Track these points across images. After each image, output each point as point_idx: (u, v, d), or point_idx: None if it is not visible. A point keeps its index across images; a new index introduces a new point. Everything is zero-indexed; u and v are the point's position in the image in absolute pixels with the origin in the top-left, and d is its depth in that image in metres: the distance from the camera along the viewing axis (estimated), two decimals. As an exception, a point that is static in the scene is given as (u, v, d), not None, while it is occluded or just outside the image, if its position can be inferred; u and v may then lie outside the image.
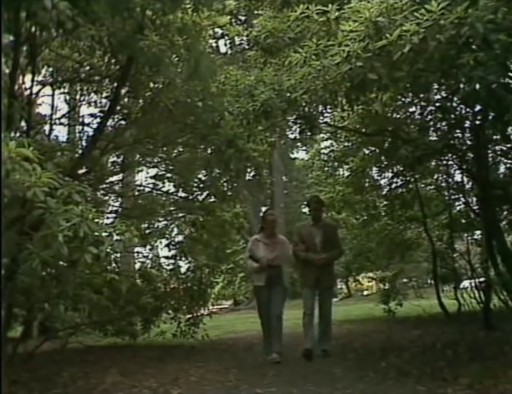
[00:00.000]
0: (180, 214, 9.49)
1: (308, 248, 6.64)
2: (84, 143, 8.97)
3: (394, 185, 9.18)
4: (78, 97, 8.95)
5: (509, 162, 7.90)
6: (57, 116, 9.06)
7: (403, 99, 7.00)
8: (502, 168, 8.14)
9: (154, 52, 5.56)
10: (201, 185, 9.37)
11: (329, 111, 7.23)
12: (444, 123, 7.21)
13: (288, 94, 4.71)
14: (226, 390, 4.97)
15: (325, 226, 6.87)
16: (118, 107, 7.36)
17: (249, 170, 10.05)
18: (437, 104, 6.90)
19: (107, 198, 9.45)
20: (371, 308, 11.84)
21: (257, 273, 6.81)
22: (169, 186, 9.70)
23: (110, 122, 7.55)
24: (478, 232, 9.32)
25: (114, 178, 9.39)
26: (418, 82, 4.82)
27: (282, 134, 8.71)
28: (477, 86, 3.97)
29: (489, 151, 7.42)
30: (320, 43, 4.36)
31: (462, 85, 4.85)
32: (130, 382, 5.39)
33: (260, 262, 6.67)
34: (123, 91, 7.02)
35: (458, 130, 7.23)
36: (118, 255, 8.39)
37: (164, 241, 9.85)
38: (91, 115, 8.74)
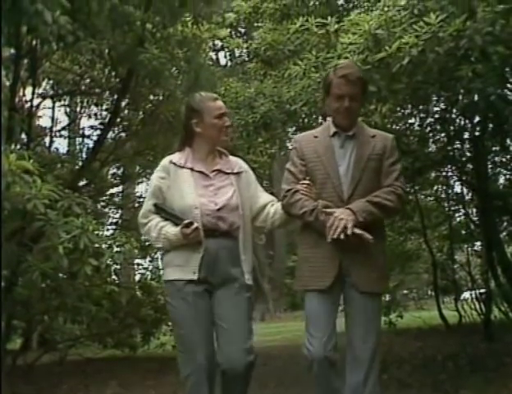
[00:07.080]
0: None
1: (322, 189, 2.77)
2: (84, 155, 9.05)
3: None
4: (78, 109, 9.04)
5: (509, 173, 7.90)
6: (58, 129, 9.17)
7: (402, 111, 6.99)
8: (502, 179, 8.13)
9: (154, 64, 5.60)
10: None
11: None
12: (443, 134, 7.20)
13: (288, 106, 4.72)
14: (227, 402, 4.94)
15: (363, 138, 2.85)
16: (118, 119, 7.41)
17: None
18: (436, 116, 6.90)
19: (107, 209, 9.48)
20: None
21: (177, 251, 2.79)
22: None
23: (110, 134, 7.61)
24: (478, 243, 9.29)
25: (114, 190, 9.45)
26: (417, 94, 4.83)
27: (282, 145, 8.72)
28: (476, 98, 3.99)
29: (488, 162, 7.41)
30: (319, 55, 4.38)
31: (461, 97, 4.86)
32: (130, 394, 5.39)
33: (184, 223, 2.67)
34: (123, 103, 7.07)
35: (457, 142, 7.22)
36: (118, 267, 8.39)
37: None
38: (91, 127, 8.83)
